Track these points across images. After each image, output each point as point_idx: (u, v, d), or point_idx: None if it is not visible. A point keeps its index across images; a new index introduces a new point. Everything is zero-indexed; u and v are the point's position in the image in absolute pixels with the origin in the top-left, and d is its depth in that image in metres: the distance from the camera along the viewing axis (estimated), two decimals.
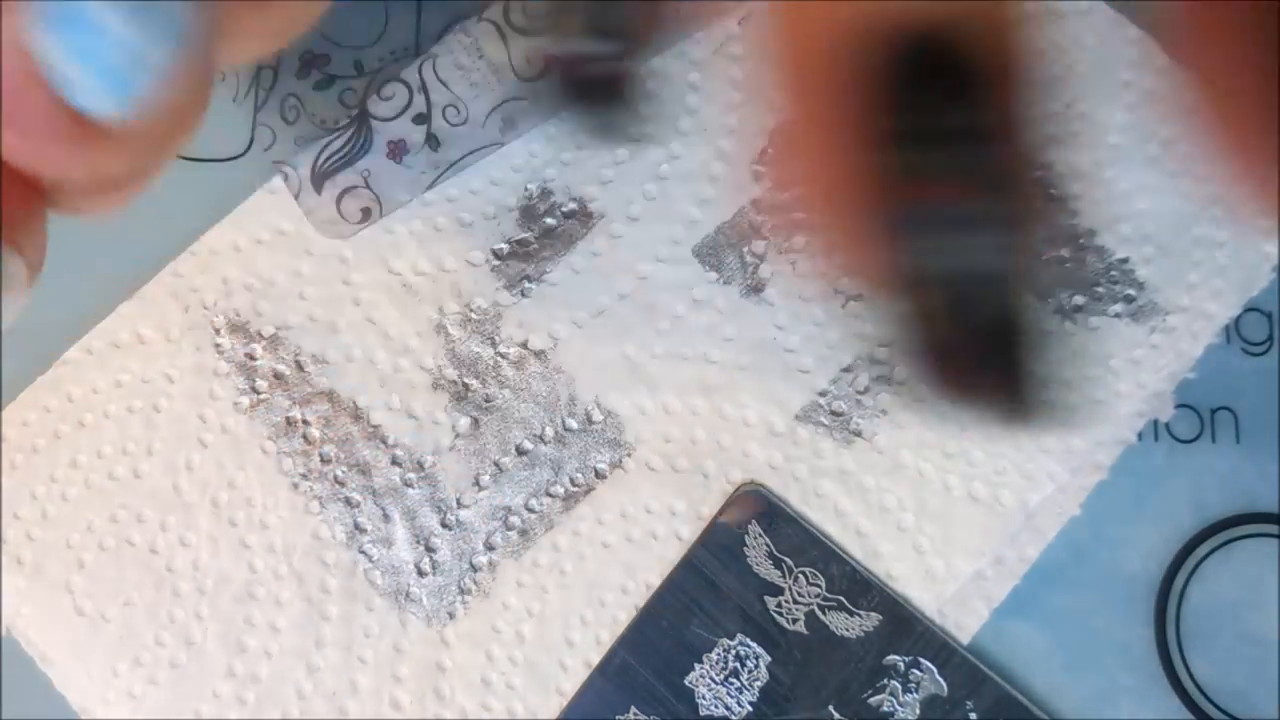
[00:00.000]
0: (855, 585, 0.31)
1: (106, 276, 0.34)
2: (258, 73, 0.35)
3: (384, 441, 0.33)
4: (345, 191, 0.34)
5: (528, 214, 0.34)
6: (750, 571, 0.31)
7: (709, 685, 0.31)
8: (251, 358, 0.33)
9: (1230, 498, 0.33)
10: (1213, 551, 0.32)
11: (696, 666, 0.31)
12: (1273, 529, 0.32)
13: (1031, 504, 0.32)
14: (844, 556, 0.31)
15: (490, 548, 0.32)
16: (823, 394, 0.33)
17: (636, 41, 0.28)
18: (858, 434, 0.32)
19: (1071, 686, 0.32)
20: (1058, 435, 0.32)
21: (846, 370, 0.33)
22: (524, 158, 0.34)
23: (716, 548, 0.32)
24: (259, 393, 0.33)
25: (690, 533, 0.32)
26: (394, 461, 0.33)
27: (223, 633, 0.32)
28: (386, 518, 0.32)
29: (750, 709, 0.31)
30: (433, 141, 0.34)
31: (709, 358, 0.33)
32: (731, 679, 0.31)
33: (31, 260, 0.19)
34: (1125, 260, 0.33)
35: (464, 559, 0.32)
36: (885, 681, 0.31)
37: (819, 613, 0.31)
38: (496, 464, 0.33)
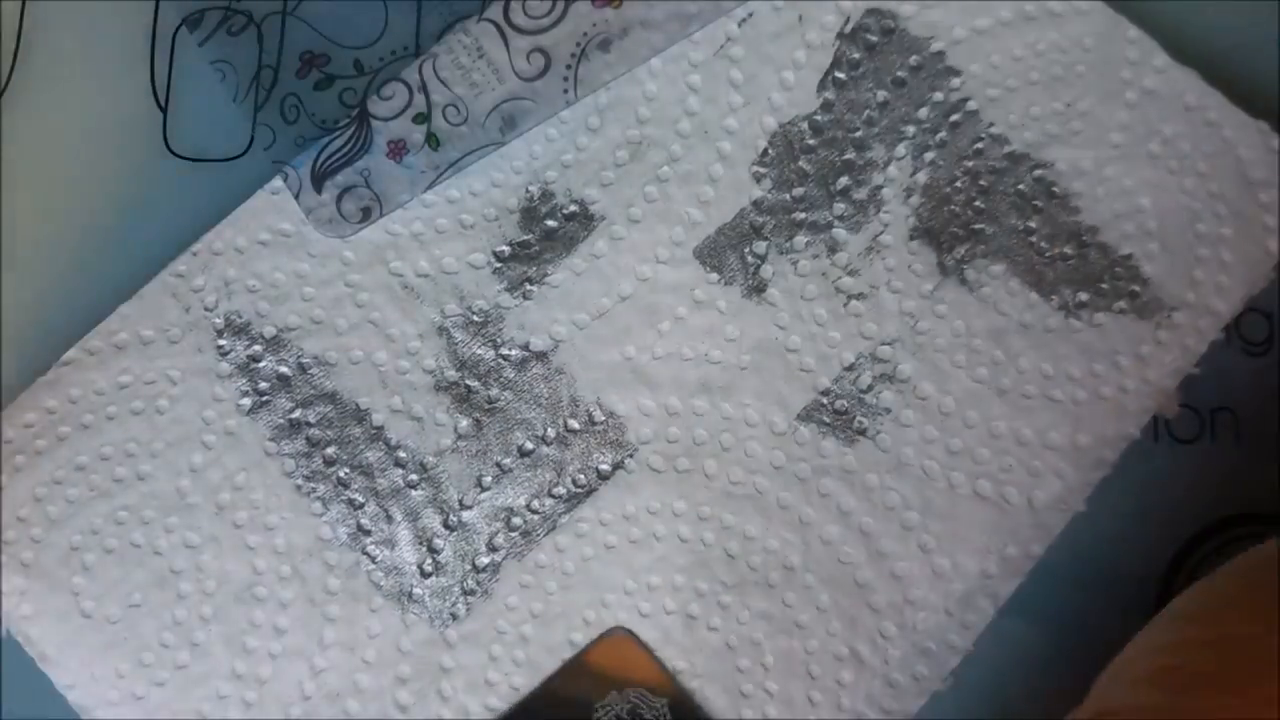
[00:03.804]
0: None
1: (106, 276, 0.34)
2: (258, 73, 0.35)
3: (386, 443, 0.33)
4: (345, 191, 0.34)
5: (529, 216, 0.34)
6: None
7: None
8: (254, 359, 0.33)
9: (1230, 498, 0.33)
10: (1213, 551, 0.32)
11: None
12: (1273, 529, 0.32)
13: (1038, 501, 0.32)
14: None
15: (493, 548, 0.32)
16: (825, 393, 0.33)
17: None
18: (861, 433, 0.32)
19: (1072, 687, 0.32)
20: (1064, 432, 0.32)
21: (849, 369, 0.33)
22: (524, 159, 0.34)
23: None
24: (261, 394, 0.33)
25: (691, 533, 0.32)
26: (397, 463, 0.33)
27: (226, 634, 0.32)
28: (389, 519, 0.32)
29: None
30: (433, 141, 0.34)
31: (710, 358, 0.33)
32: None
33: None
34: (1129, 256, 0.33)
35: (467, 560, 0.32)
36: None
37: None
38: (499, 465, 0.33)
